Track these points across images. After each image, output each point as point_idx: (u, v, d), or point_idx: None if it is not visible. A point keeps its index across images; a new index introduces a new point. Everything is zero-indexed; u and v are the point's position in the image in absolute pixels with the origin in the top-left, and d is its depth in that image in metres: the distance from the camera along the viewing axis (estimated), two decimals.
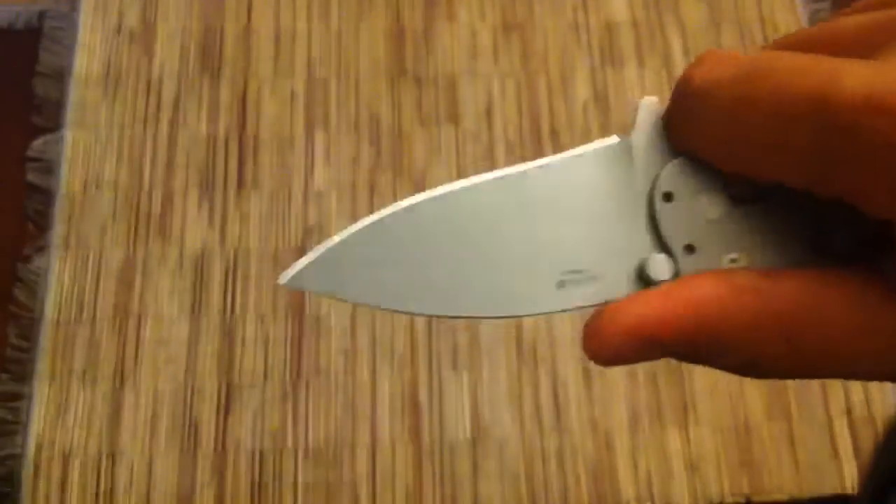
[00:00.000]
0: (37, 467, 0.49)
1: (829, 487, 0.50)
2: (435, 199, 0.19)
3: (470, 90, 0.59)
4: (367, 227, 0.19)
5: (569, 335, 0.53)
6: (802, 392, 0.52)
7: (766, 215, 0.18)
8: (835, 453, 0.51)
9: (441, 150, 0.57)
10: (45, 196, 0.55)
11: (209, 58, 0.59)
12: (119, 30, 0.60)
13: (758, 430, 0.52)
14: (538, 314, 0.19)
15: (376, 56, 0.60)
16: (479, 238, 0.19)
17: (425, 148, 0.57)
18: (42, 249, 0.54)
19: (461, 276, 0.19)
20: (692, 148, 0.18)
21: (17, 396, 0.51)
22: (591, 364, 0.57)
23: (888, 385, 0.53)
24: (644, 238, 0.19)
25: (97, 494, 0.49)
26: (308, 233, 0.55)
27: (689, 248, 0.19)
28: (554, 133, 0.58)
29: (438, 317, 0.19)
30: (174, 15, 0.60)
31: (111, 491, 0.49)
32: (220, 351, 0.52)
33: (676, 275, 0.18)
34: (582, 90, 0.59)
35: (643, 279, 0.19)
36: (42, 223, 0.54)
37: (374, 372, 0.52)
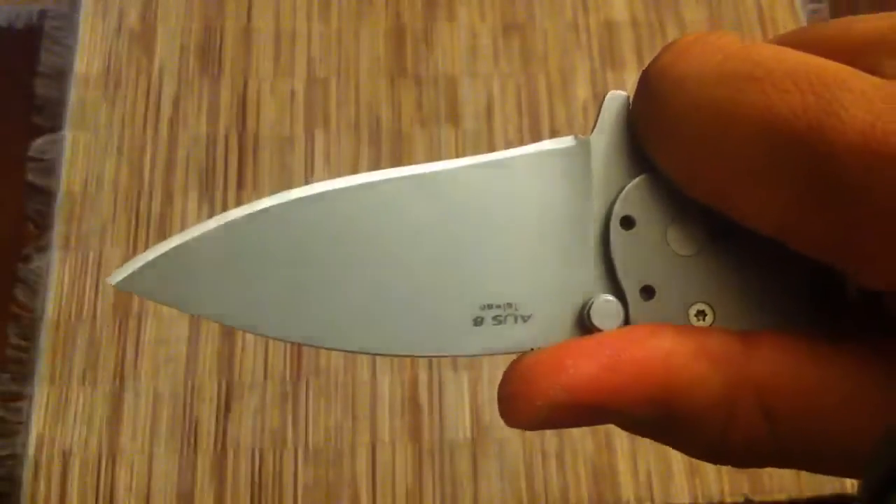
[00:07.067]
0: (37, 467, 0.49)
1: (829, 487, 0.50)
2: (314, 198, 0.15)
3: (470, 90, 0.59)
4: (225, 227, 0.15)
5: None
6: None
7: (749, 255, 0.14)
8: None
9: (441, 151, 0.57)
10: (45, 196, 0.55)
11: (209, 58, 0.59)
12: (119, 30, 0.60)
13: None
14: (442, 356, 0.15)
15: (376, 56, 0.60)
16: (369, 252, 0.15)
17: (425, 148, 0.57)
18: (42, 249, 0.54)
19: (338, 300, 0.14)
20: (657, 161, 0.14)
21: (17, 396, 0.51)
22: None
23: None
24: (591, 272, 0.15)
25: (97, 494, 0.49)
26: None
27: (647, 291, 0.14)
28: (554, 133, 0.58)
29: (303, 344, 0.15)
30: (174, 15, 0.60)
31: (111, 491, 0.49)
32: (220, 351, 0.52)
33: (626, 323, 0.14)
34: (582, 91, 0.59)
35: (583, 325, 0.15)
36: (42, 223, 0.54)
37: (374, 372, 0.52)
